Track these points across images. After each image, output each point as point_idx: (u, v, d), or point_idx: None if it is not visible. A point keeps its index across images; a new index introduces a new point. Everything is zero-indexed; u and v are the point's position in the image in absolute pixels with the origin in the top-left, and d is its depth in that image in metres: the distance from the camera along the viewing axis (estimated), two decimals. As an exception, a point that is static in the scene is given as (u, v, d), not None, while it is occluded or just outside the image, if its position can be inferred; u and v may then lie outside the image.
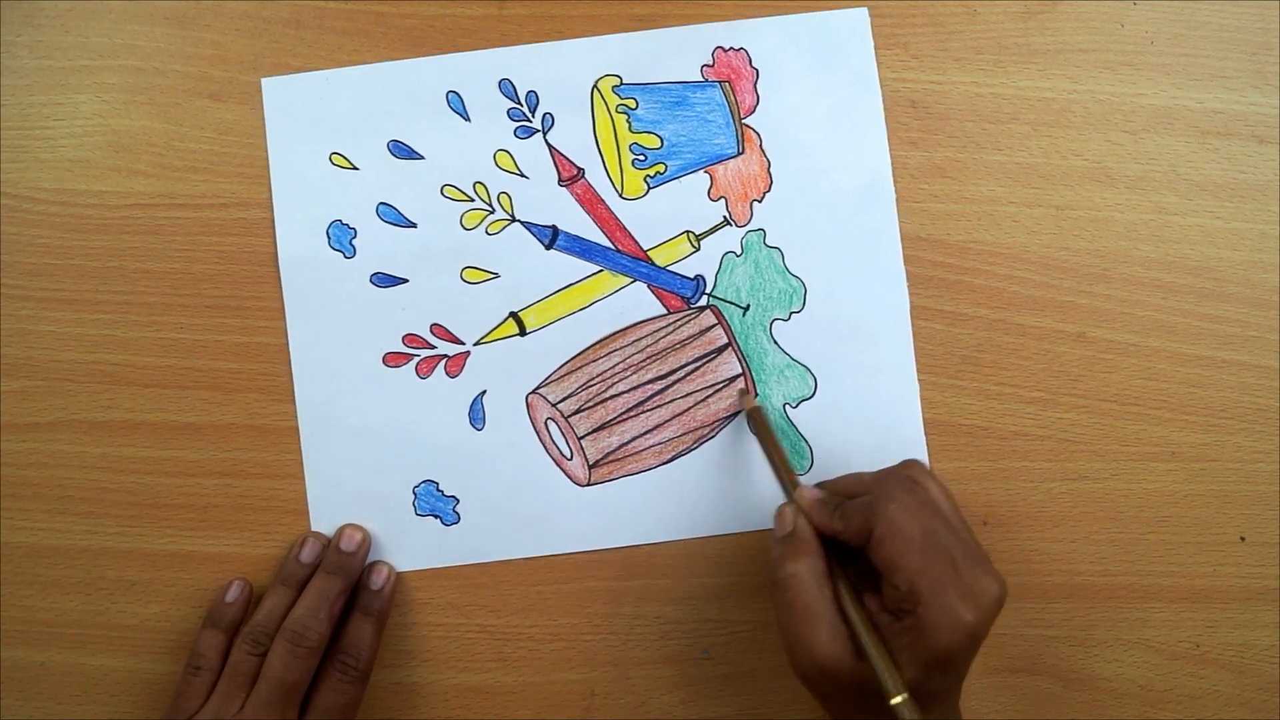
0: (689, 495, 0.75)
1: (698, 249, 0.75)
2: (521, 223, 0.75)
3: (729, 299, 0.75)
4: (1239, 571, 0.75)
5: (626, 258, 0.75)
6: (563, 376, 0.75)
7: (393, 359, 0.75)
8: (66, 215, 0.76)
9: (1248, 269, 0.75)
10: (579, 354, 0.75)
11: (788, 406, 0.75)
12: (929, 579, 0.60)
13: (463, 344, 0.75)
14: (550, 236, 0.75)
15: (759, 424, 0.73)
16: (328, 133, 0.76)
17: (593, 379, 0.75)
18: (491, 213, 0.75)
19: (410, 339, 0.75)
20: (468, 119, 0.76)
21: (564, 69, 0.76)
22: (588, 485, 0.75)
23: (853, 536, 0.64)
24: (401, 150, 0.75)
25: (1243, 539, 0.75)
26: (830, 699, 0.63)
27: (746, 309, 0.75)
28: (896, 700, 0.58)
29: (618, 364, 0.75)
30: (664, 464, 0.75)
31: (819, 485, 0.69)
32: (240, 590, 0.74)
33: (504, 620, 0.75)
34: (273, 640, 0.70)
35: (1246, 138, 0.76)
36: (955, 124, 0.76)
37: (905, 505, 0.63)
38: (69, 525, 0.75)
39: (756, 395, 0.75)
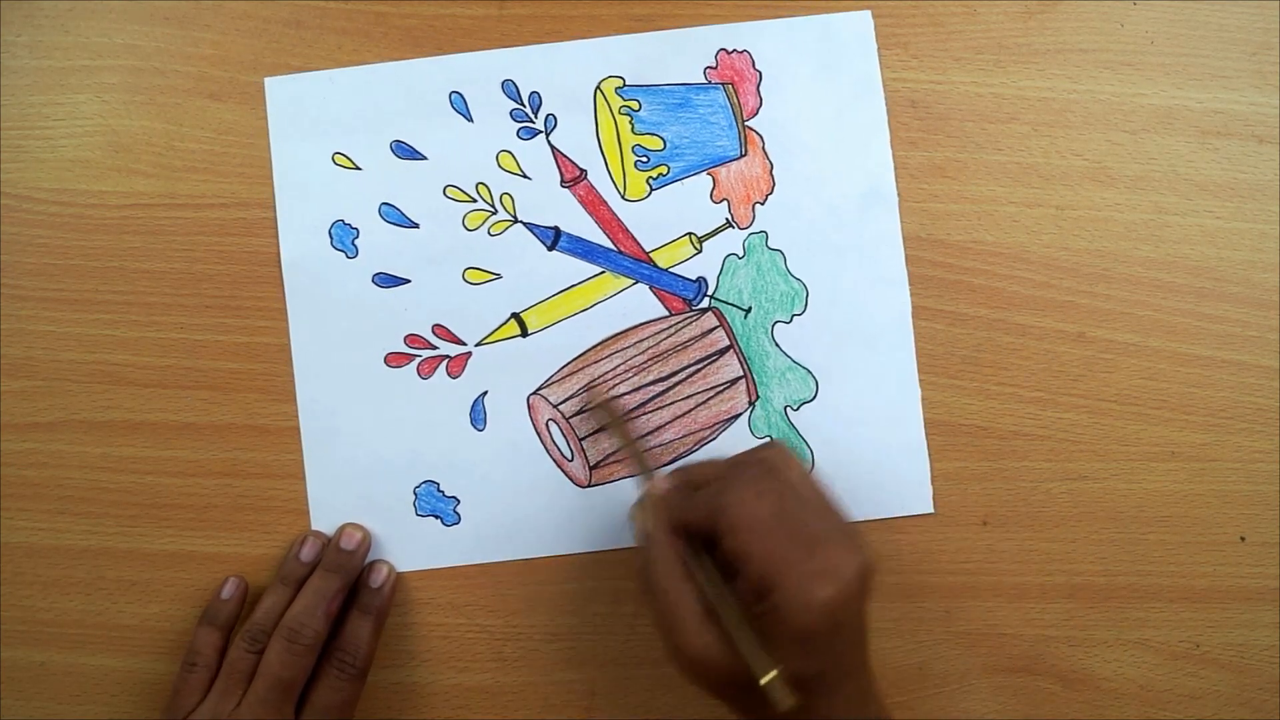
0: (690, 496, 0.75)
1: (700, 251, 0.75)
2: (524, 224, 0.75)
3: (731, 301, 0.75)
4: (1239, 571, 0.75)
5: (628, 259, 0.75)
6: (564, 378, 0.75)
7: (394, 359, 0.75)
8: (66, 215, 0.76)
9: (1248, 269, 0.75)
10: (581, 355, 0.75)
11: (789, 409, 0.75)
12: (777, 563, 0.59)
13: (464, 345, 0.75)
14: (552, 238, 0.75)
15: (610, 416, 0.74)
16: (330, 132, 0.76)
17: (594, 380, 0.75)
18: (494, 213, 0.75)
19: (412, 339, 0.75)
20: (470, 120, 0.76)
21: (567, 70, 0.76)
22: (589, 486, 0.75)
23: (703, 527, 0.62)
24: (404, 150, 0.75)
25: (1243, 539, 0.75)
26: (725, 696, 0.62)
27: (748, 311, 0.75)
28: (764, 680, 0.57)
29: (619, 365, 0.75)
30: (665, 465, 0.75)
31: (676, 471, 0.68)
32: (235, 587, 0.74)
33: (504, 620, 0.75)
34: (270, 638, 0.71)
35: (1246, 138, 0.76)
36: (955, 124, 0.76)
37: (751, 491, 0.61)
38: (69, 525, 0.75)
39: (610, 393, 0.76)
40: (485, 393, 0.75)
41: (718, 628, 0.60)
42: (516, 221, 0.75)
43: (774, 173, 0.75)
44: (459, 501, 0.75)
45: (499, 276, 0.75)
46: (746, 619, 0.59)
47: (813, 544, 0.59)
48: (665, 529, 0.64)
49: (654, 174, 0.75)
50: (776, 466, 0.63)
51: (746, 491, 0.61)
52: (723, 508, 0.61)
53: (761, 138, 0.76)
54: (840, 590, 0.58)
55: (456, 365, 0.75)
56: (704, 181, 0.76)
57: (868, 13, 0.76)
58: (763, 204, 0.75)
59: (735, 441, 0.75)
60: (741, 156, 0.76)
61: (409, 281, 0.75)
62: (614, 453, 0.75)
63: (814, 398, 0.75)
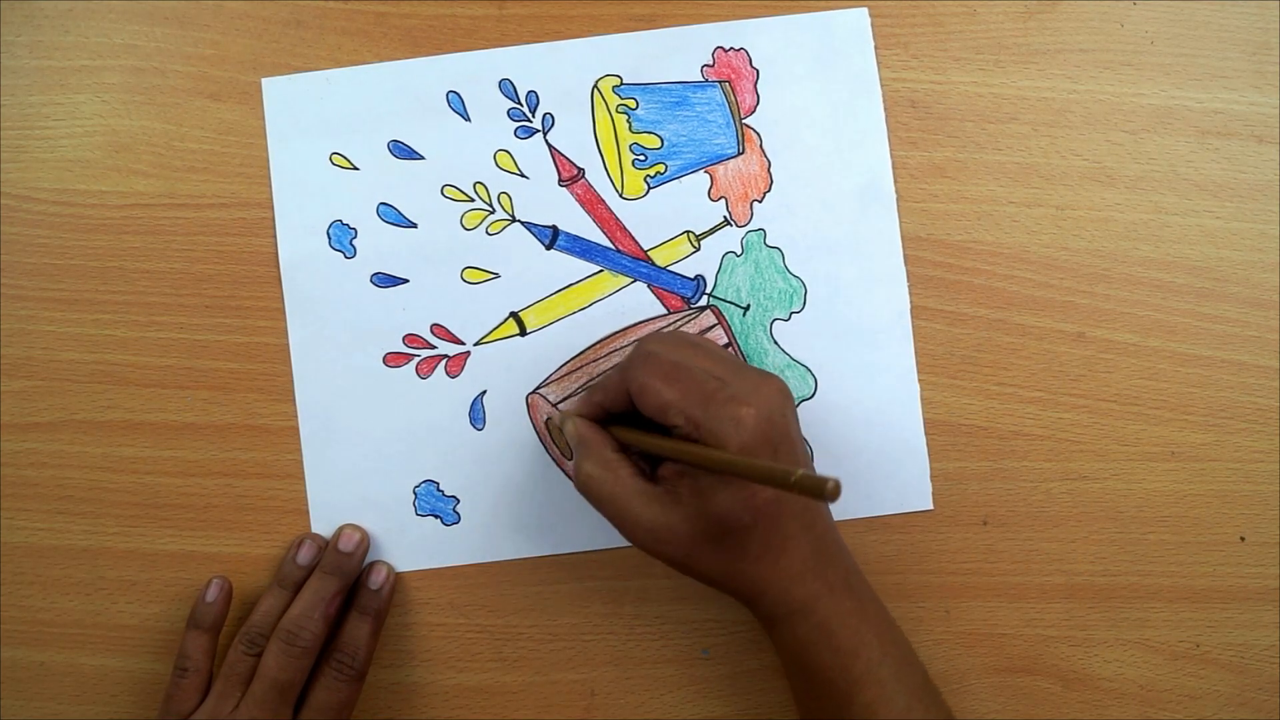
0: (689, 495, 0.75)
1: (698, 249, 0.75)
2: (522, 223, 0.75)
3: (729, 299, 0.75)
4: (1239, 571, 0.75)
5: (627, 258, 0.75)
6: (563, 376, 0.75)
7: (393, 359, 0.75)
8: (66, 215, 0.76)
9: (1247, 269, 0.75)
10: (579, 354, 0.75)
11: (788, 407, 0.75)
12: (697, 398, 0.61)
13: (463, 344, 0.75)
14: (550, 236, 0.75)
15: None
16: (328, 133, 0.76)
17: (593, 379, 0.75)
18: (492, 213, 0.75)
19: (410, 339, 0.75)
20: (468, 119, 0.76)
21: (564, 69, 0.76)
22: (588, 485, 0.75)
23: (617, 402, 0.67)
24: (402, 150, 0.75)
25: (1243, 539, 0.75)
26: (688, 563, 0.64)
27: (747, 309, 0.75)
28: (795, 477, 0.52)
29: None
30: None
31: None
32: (219, 589, 0.74)
33: (504, 620, 0.75)
34: (269, 640, 0.71)
35: (1246, 138, 0.76)
36: (955, 124, 0.76)
37: (651, 353, 0.65)
38: (69, 525, 0.75)
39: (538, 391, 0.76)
40: (484, 392, 0.75)
41: (662, 498, 0.63)
42: (514, 220, 0.75)
43: (771, 170, 0.75)
44: (458, 501, 0.75)
45: (497, 275, 0.75)
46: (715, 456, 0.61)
47: (724, 376, 0.63)
48: (588, 424, 0.68)
49: (651, 172, 0.75)
50: (663, 334, 0.68)
51: (646, 355, 0.65)
52: (630, 375, 0.65)
53: (759, 135, 0.75)
54: (764, 402, 0.61)
55: (455, 364, 0.75)
56: (702, 179, 0.75)
57: (864, 10, 0.75)
58: (760, 202, 0.75)
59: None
60: (739, 154, 0.75)
61: (407, 281, 0.75)
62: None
63: (813, 396, 0.75)
